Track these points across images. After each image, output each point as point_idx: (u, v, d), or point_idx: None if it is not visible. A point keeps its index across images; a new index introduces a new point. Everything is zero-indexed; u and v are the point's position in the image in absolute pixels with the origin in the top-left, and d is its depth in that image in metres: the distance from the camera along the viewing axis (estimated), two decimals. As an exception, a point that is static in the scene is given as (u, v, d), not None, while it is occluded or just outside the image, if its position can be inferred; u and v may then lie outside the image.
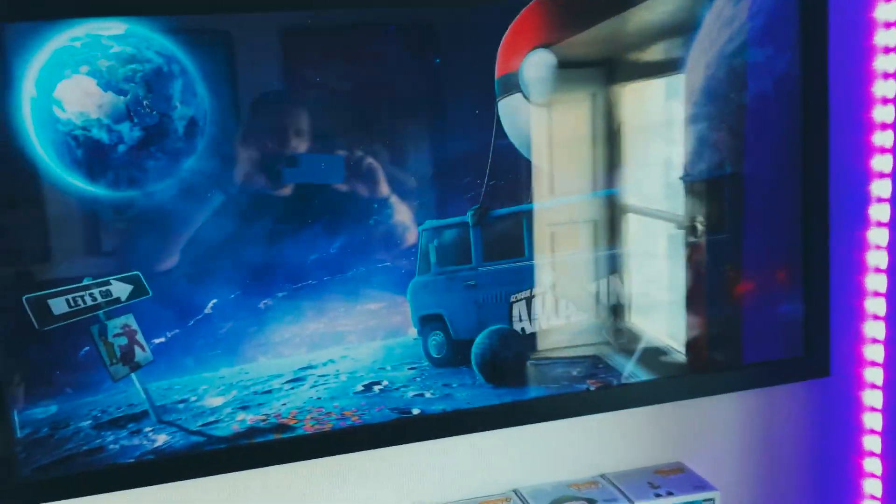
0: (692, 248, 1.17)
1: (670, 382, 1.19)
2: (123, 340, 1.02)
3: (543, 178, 1.10)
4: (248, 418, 1.06)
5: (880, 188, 1.14)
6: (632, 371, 1.17)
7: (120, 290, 1.00)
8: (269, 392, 1.07)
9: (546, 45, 1.07)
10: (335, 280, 1.05)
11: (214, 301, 1.02)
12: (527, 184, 1.10)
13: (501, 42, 1.06)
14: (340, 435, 1.09)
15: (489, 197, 1.09)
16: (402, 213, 1.06)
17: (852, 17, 1.15)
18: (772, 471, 1.29)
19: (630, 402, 1.18)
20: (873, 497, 1.19)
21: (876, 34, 1.13)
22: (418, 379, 1.11)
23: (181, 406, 1.04)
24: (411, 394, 1.11)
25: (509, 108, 1.07)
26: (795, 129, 1.17)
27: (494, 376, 1.13)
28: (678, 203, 1.16)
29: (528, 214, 1.11)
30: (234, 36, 0.99)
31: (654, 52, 1.11)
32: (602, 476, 1.20)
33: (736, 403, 1.26)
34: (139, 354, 1.02)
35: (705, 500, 1.13)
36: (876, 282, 1.17)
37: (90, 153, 0.97)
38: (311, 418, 1.08)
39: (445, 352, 1.11)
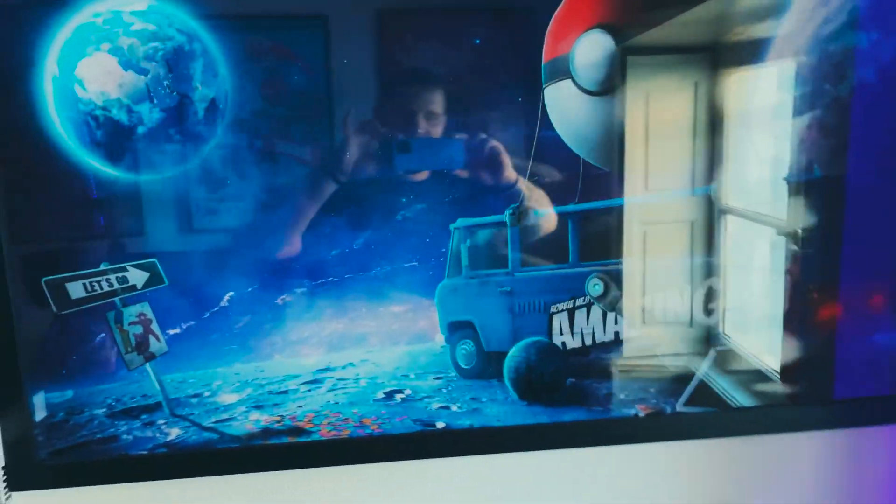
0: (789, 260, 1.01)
1: (737, 415, 1.04)
2: (139, 329, 0.98)
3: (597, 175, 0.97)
4: (263, 418, 1.01)
5: None
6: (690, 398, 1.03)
7: (136, 277, 0.97)
8: (284, 392, 1.01)
9: (604, 26, 0.94)
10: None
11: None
12: (573, 181, 0.98)
13: (551, 21, 0.94)
14: (358, 444, 1.02)
15: (530, 195, 0.98)
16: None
17: None
18: (855, 524, 1.12)
19: (684, 433, 1.04)
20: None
21: None
22: (444, 390, 1.02)
23: (194, 401, 1.00)
24: (436, 405, 1.02)
25: (557, 97, 0.96)
26: (905, 128, 0.99)
27: (529, 393, 1.02)
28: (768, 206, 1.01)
29: (575, 216, 0.99)
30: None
31: (737, 36, 0.96)
32: (650, 513, 1.08)
33: (817, 442, 1.09)
34: (154, 344, 0.99)
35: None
36: None
37: (110, 134, 0.93)
38: (328, 423, 1.02)
39: (475, 363, 1.02)
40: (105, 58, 0.92)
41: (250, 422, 1.01)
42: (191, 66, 0.93)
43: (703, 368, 1.03)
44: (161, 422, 1.00)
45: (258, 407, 1.01)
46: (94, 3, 0.91)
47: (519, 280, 1.00)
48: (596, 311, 1.01)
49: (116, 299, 0.97)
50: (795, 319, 1.03)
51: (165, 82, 0.93)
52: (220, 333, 0.99)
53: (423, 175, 0.96)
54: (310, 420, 1.01)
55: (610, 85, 0.95)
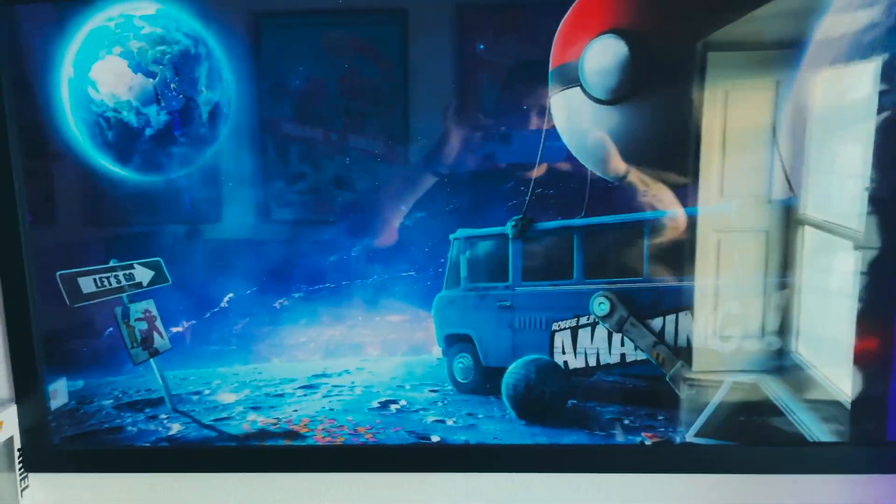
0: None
1: (752, 451, 0.96)
2: (144, 325, 1.01)
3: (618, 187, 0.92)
4: (260, 420, 1.02)
5: None
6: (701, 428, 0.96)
7: (142, 274, 0.99)
8: (280, 396, 1.01)
9: (616, 30, 0.89)
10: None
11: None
12: (579, 194, 0.93)
13: (560, 26, 0.89)
14: (352, 452, 1.01)
15: (534, 207, 0.93)
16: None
17: None
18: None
19: (694, 466, 0.97)
20: None
21: None
22: (440, 403, 0.99)
23: (195, 398, 1.02)
24: (431, 419, 1.00)
25: (564, 105, 0.91)
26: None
27: (528, 412, 0.98)
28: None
29: (582, 230, 0.94)
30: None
31: (761, 39, 0.88)
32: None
33: (860, 487, 0.99)
34: (158, 341, 1.01)
35: None
36: None
37: (119, 136, 0.96)
38: (323, 429, 1.01)
39: (473, 377, 0.98)
40: (116, 61, 0.94)
41: (247, 422, 1.02)
42: (196, 70, 0.94)
43: (717, 398, 0.95)
44: (163, 416, 1.03)
45: (255, 408, 1.02)
46: (107, 7, 0.93)
47: (520, 295, 0.96)
48: (601, 330, 0.96)
49: (124, 295, 1.00)
50: (853, 347, 0.94)
51: (172, 85, 0.94)
52: (239, 333, 1.00)
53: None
54: (305, 425, 1.01)
55: (622, 93, 0.90)
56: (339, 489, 1.03)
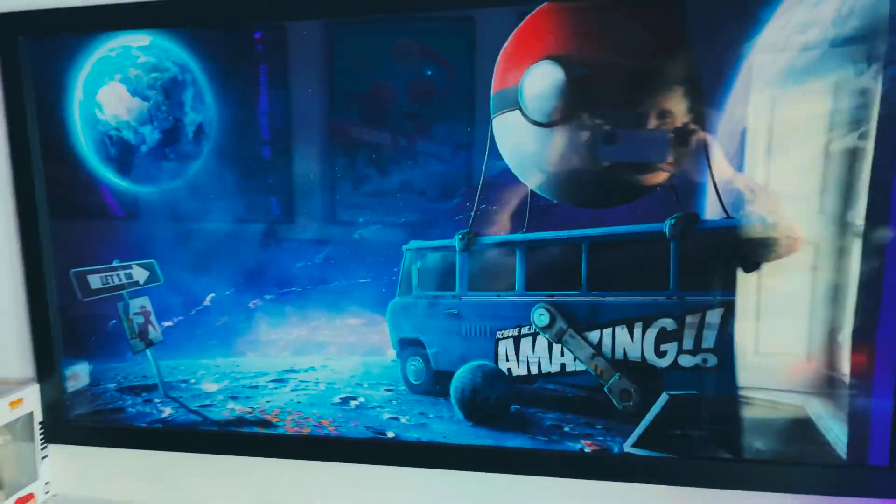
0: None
1: (687, 464, 0.98)
2: (140, 319, 1.14)
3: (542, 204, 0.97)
4: (237, 408, 1.13)
5: None
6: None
7: (139, 274, 1.12)
8: (255, 387, 1.12)
9: (553, 57, 0.94)
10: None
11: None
12: (521, 211, 0.98)
13: (501, 53, 0.95)
14: (317, 442, 1.10)
15: (479, 222, 1.00)
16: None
17: None
18: None
19: (632, 476, 1.00)
20: None
21: None
22: (394, 402, 1.07)
23: (183, 385, 1.14)
24: (386, 416, 1.07)
25: (505, 127, 0.96)
26: None
27: (474, 415, 1.04)
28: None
29: (524, 245, 0.99)
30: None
31: (695, 69, 0.91)
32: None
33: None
34: (152, 333, 1.14)
35: None
36: None
37: (120, 151, 1.09)
38: (292, 420, 1.11)
39: (424, 379, 1.06)
40: (118, 86, 1.07)
41: (227, 410, 1.13)
42: (183, 94, 1.06)
43: (653, 412, 0.98)
44: (157, 400, 1.15)
45: (234, 397, 1.13)
46: (111, 39, 1.06)
47: (466, 304, 1.02)
48: (542, 340, 1.00)
49: (125, 292, 1.13)
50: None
51: (163, 108, 1.06)
52: (241, 328, 1.11)
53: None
54: (276, 415, 1.11)
55: (559, 116, 0.94)
56: (305, 475, 1.13)
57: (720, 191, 0.92)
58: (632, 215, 0.95)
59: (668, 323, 0.96)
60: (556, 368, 1.01)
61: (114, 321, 1.15)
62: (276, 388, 1.11)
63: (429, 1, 0.95)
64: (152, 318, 1.13)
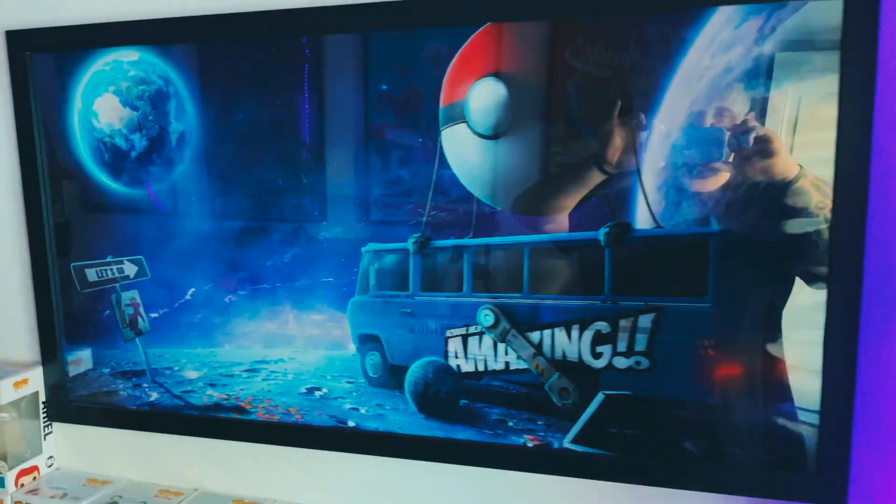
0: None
1: (626, 461, 1.03)
2: (131, 310, 1.24)
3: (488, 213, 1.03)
4: (216, 395, 1.22)
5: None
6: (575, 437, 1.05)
7: (129, 269, 1.23)
8: (231, 376, 1.21)
9: (496, 74, 1.00)
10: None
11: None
12: (468, 217, 1.04)
13: (448, 69, 1.02)
14: (286, 429, 1.18)
15: (431, 227, 1.06)
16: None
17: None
18: None
19: (571, 470, 1.06)
20: None
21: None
22: (354, 394, 1.15)
23: (167, 372, 1.24)
24: (347, 406, 1.15)
25: (452, 138, 1.03)
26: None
27: (426, 408, 1.11)
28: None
29: (471, 249, 1.05)
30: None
31: (620, 85, 0.95)
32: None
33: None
34: (140, 323, 1.24)
35: None
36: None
37: (113, 157, 1.20)
38: (263, 407, 1.20)
39: (381, 373, 1.13)
40: (111, 97, 1.18)
41: (206, 396, 1.22)
42: (167, 105, 1.15)
43: (590, 410, 1.03)
44: (145, 385, 1.26)
45: (212, 385, 1.22)
46: (105, 55, 1.17)
47: (419, 303, 1.09)
48: (488, 340, 1.07)
49: (117, 284, 1.24)
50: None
51: (150, 117, 1.16)
52: (237, 320, 1.21)
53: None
54: (249, 402, 1.20)
55: (501, 129, 1.00)
56: (275, 459, 1.22)
57: (650, 201, 0.97)
58: (571, 223, 1.00)
59: (603, 326, 1.01)
60: (500, 366, 1.07)
61: (107, 311, 1.26)
62: (249, 377, 1.20)
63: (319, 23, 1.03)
64: (141, 309, 1.24)
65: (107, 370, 1.28)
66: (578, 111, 0.98)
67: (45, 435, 1.33)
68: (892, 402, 0.93)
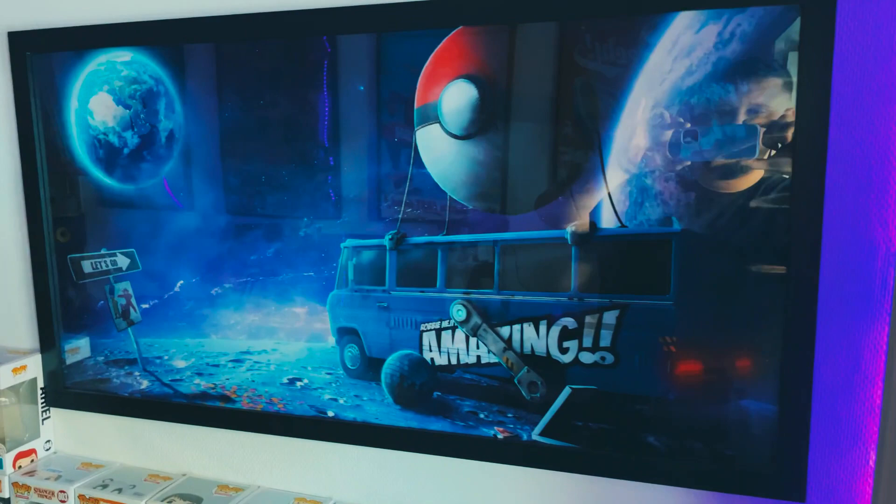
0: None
1: (588, 454, 1.06)
2: (123, 301, 1.29)
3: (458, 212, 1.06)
4: (203, 384, 1.27)
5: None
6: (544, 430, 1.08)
7: (122, 261, 1.28)
8: (217, 366, 1.25)
9: (467, 76, 1.03)
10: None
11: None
12: (441, 215, 1.08)
13: (422, 71, 1.05)
14: (269, 417, 1.23)
15: (406, 224, 1.10)
16: None
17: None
18: None
19: (539, 462, 1.09)
20: None
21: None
22: (333, 384, 1.19)
23: (158, 361, 1.29)
24: (327, 396, 1.19)
25: (426, 138, 1.06)
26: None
27: (402, 399, 1.15)
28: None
29: (444, 246, 1.09)
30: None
31: (588, 89, 0.98)
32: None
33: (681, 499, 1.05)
34: (132, 314, 1.29)
35: None
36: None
37: (107, 153, 1.24)
38: (247, 396, 1.24)
39: (359, 365, 1.17)
40: (105, 96, 1.23)
41: (194, 385, 1.27)
42: (157, 103, 1.20)
43: (558, 403, 1.06)
44: (137, 373, 1.31)
45: (199, 374, 1.27)
46: (99, 55, 1.21)
47: (395, 298, 1.13)
48: (460, 334, 1.10)
49: (111, 276, 1.29)
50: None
51: (142, 115, 1.21)
52: (230, 311, 1.25)
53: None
54: (234, 391, 1.25)
55: (473, 130, 1.04)
56: (259, 446, 1.26)
57: (614, 201, 0.99)
58: (539, 221, 1.03)
59: (570, 322, 1.04)
60: (472, 360, 1.10)
61: (101, 302, 1.31)
62: (234, 367, 1.24)
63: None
64: (133, 300, 1.29)
65: (101, 358, 1.33)
66: (548, 113, 1.00)
67: (44, 420, 1.38)
68: (848, 399, 0.95)
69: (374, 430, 1.17)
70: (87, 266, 1.30)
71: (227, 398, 1.25)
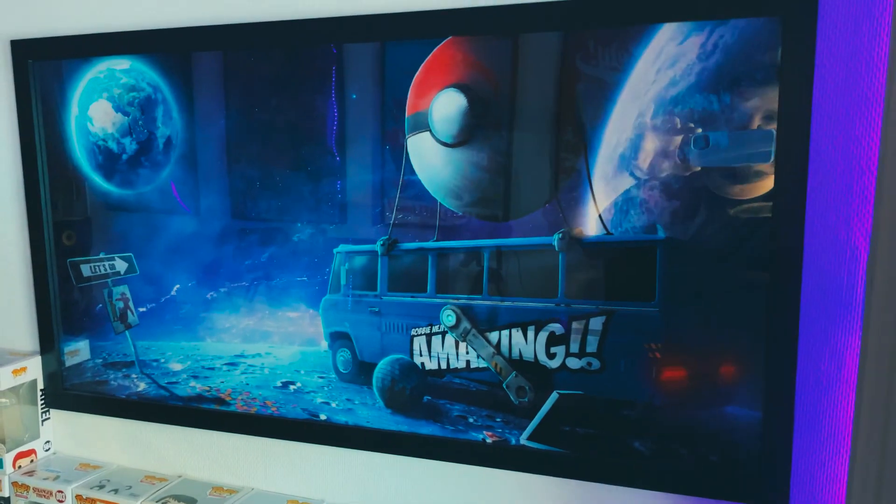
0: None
1: (574, 458, 1.07)
2: (121, 304, 1.31)
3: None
4: (198, 387, 1.28)
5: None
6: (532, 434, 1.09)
7: (120, 265, 1.30)
8: (212, 369, 1.27)
9: (457, 86, 1.05)
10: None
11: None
12: (432, 221, 1.09)
13: (413, 80, 1.07)
14: (262, 420, 1.25)
15: (398, 230, 1.11)
16: None
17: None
18: None
19: (527, 466, 1.10)
20: None
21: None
22: (326, 388, 1.20)
23: (154, 364, 1.31)
24: (319, 400, 1.21)
25: (417, 146, 1.08)
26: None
27: (392, 403, 1.16)
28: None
29: (434, 252, 1.10)
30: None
31: (575, 98, 1.00)
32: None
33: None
34: (130, 317, 1.31)
35: None
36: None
37: (106, 159, 1.27)
38: (241, 399, 1.26)
39: (351, 369, 1.18)
40: (104, 103, 1.25)
41: (189, 387, 1.29)
42: (155, 111, 1.22)
43: (545, 408, 1.08)
44: (134, 376, 1.33)
45: (195, 377, 1.28)
46: (99, 63, 1.24)
47: (386, 303, 1.14)
48: (450, 339, 1.11)
49: (109, 280, 1.31)
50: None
51: (140, 122, 1.23)
52: (228, 315, 1.28)
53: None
54: (229, 394, 1.27)
55: (462, 138, 1.05)
56: (253, 449, 1.28)
57: (600, 209, 1.01)
58: (528, 228, 1.05)
59: (557, 328, 1.05)
60: (462, 364, 1.12)
61: (100, 305, 1.33)
62: (229, 370, 1.26)
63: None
64: (130, 303, 1.31)
65: (99, 361, 1.35)
66: (536, 122, 1.02)
67: (43, 421, 1.40)
68: (831, 405, 0.96)
69: (365, 434, 1.18)
70: (86, 270, 1.33)
71: (221, 401, 1.27)
